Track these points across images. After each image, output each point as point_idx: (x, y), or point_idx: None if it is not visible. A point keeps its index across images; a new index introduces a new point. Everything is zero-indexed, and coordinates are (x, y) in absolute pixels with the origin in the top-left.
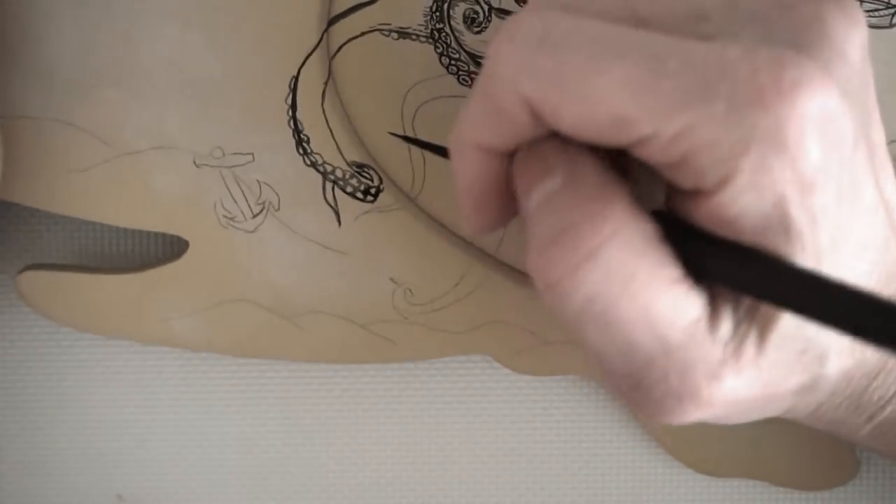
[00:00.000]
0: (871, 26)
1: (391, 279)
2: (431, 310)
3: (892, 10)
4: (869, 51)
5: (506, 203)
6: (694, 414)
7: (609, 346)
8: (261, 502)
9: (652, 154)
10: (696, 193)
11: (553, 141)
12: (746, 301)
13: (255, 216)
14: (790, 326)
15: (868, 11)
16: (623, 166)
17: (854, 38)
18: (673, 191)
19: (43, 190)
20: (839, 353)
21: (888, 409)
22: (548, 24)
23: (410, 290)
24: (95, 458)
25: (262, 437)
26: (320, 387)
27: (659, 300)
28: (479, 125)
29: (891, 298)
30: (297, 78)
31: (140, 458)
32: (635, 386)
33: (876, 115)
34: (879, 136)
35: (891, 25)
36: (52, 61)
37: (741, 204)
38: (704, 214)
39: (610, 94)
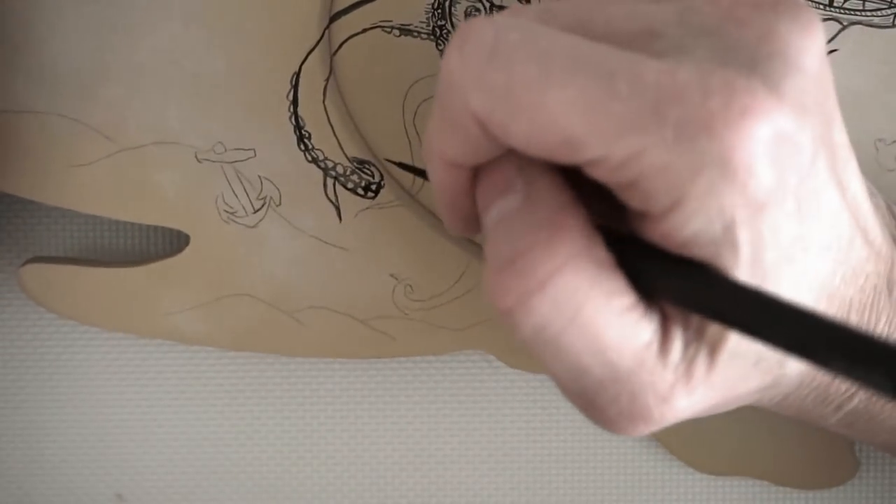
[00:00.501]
0: (874, 26)
1: (391, 275)
2: (431, 306)
3: (894, 10)
4: (825, 55)
5: (477, 210)
6: (647, 430)
7: (560, 369)
8: (261, 502)
9: (601, 175)
10: (648, 215)
11: (511, 159)
12: (696, 321)
13: (256, 211)
14: (739, 344)
15: (870, 11)
16: (586, 179)
17: (809, 47)
18: (628, 209)
19: (45, 184)
20: None
21: (856, 400)
22: (499, 35)
23: (411, 287)
24: (95, 458)
25: (261, 435)
26: (320, 385)
27: (608, 329)
28: (441, 138)
29: (832, 316)
30: (298, 74)
31: (140, 458)
32: (589, 405)
33: (836, 117)
34: (841, 136)
35: (893, 25)
36: (54, 57)
37: (691, 228)
38: (655, 235)
39: (559, 114)
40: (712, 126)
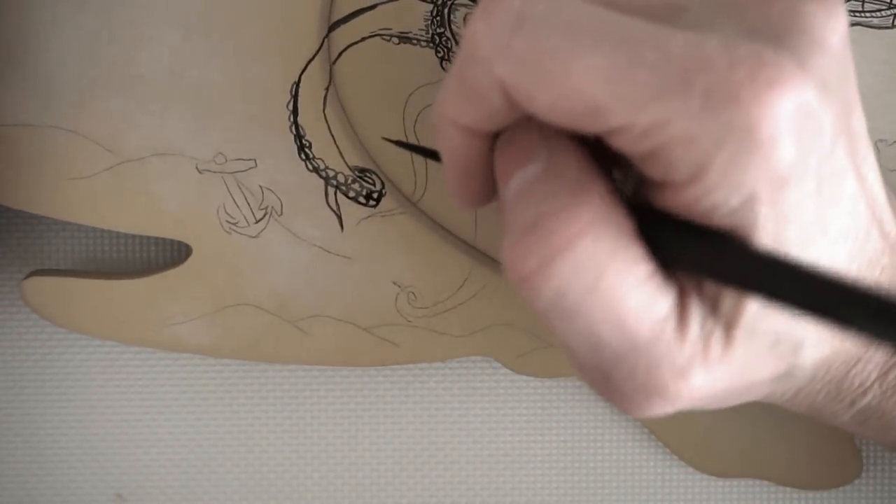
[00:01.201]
0: (873, 27)
1: (394, 283)
2: (434, 313)
3: (894, 11)
4: (850, 43)
5: (491, 179)
6: (663, 408)
7: (578, 340)
8: (261, 502)
9: (625, 144)
10: (668, 185)
11: (533, 127)
12: (712, 296)
13: (257, 221)
14: (758, 321)
15: (870, 12)
16: (608, 150)
17: (834, 27)
18: (646, 180)
19: (46, 197)
20: (815, 344)
21: (869, 396)
22: (525, 4)
23: (413, 294)
24: (95, 458)
25: (262, 437)
26: (320, 387)
27: (627, 298)
28: (456, 104)
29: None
30: (298, 84)
31: (140, 458)
32: (605, 380)
33: (857, 104)
34: (860, 124)
35: (893, 26)
36: (53, 70)
37: (712, 199)
38: (675, 206)
39: (584, 82)
40: (738, 96)
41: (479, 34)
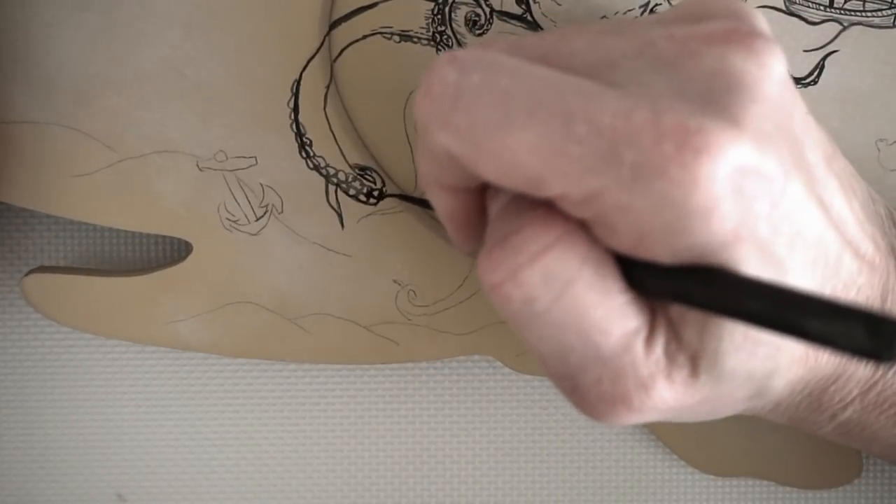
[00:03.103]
0: (874, 26)
1: (395, 281)
2: (435, 311)
3: (895, 11)
4: (788, 79)
5: (486, 224)
6: (629, 417)
7: (546, 348)
8: (261, 502)
9: (570, 210)
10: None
11: None
12: (679, 326)
13: (258, 219)
14: (724, 357)
15: (871, 11)
16: None
17: (764, 75)
18: None
19: (45, 194)
20: (788, 367)
21: (850, 410)
22: (462, 77)
23: (414, 292)
24: (95, 458)
25: (262, 437)
26: (321, 386)
27: (595, 308)
28: (430, 170)
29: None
30: (298, 82)
31: (140, 458)
32: (573, 388)
33: (808, 137)
34: (815, 154)
35: (893, 25)
36: (54, 68)
37: (661, 257)
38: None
39: (519, 157)
40: (667, 169)
41: (422, 110)
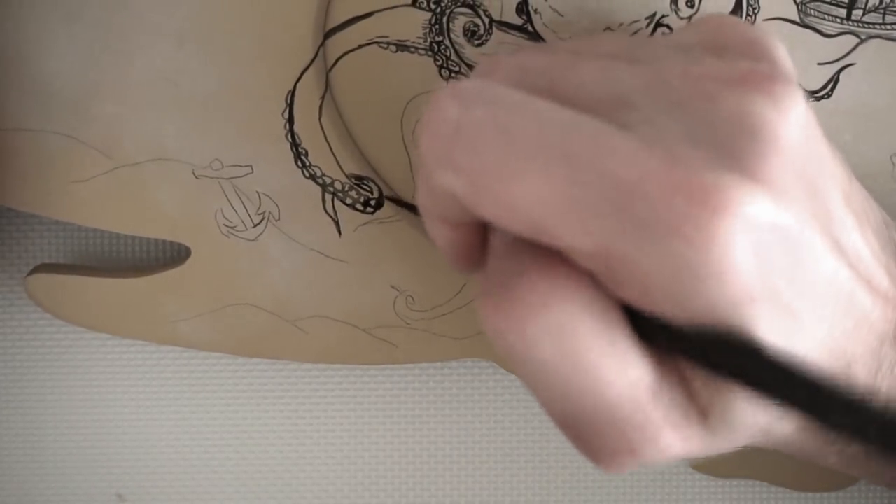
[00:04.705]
0: (893, 40)
1: (392, 287)
2: (433, 316)
3: None
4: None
5: (485, 254)
6: (634, 467)
7: (549, 396)
8: (261, 502)
9: (576, 260)
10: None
11: None
12: (690, 381)
13: (255, 226)
14: (734, 414)
15: (890, 24)
16: None
17: (785, 120)
18: None
19: (44, 199)
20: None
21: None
22: (463, 112)
23: (412, 298)
24: (95, 457)
25: (263, 437)
26: (320, 386)
27: (599, 358)
28: (430, 205)
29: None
30: (293, 92)
31: (140, 458)
32: (576, 436)
33: (828, 178)
34: (834, 196)
35: None
36: (48, 77)
37: (669, 314)
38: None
39: (522, 202)
40: (680, 228)
41: (423, 146)
